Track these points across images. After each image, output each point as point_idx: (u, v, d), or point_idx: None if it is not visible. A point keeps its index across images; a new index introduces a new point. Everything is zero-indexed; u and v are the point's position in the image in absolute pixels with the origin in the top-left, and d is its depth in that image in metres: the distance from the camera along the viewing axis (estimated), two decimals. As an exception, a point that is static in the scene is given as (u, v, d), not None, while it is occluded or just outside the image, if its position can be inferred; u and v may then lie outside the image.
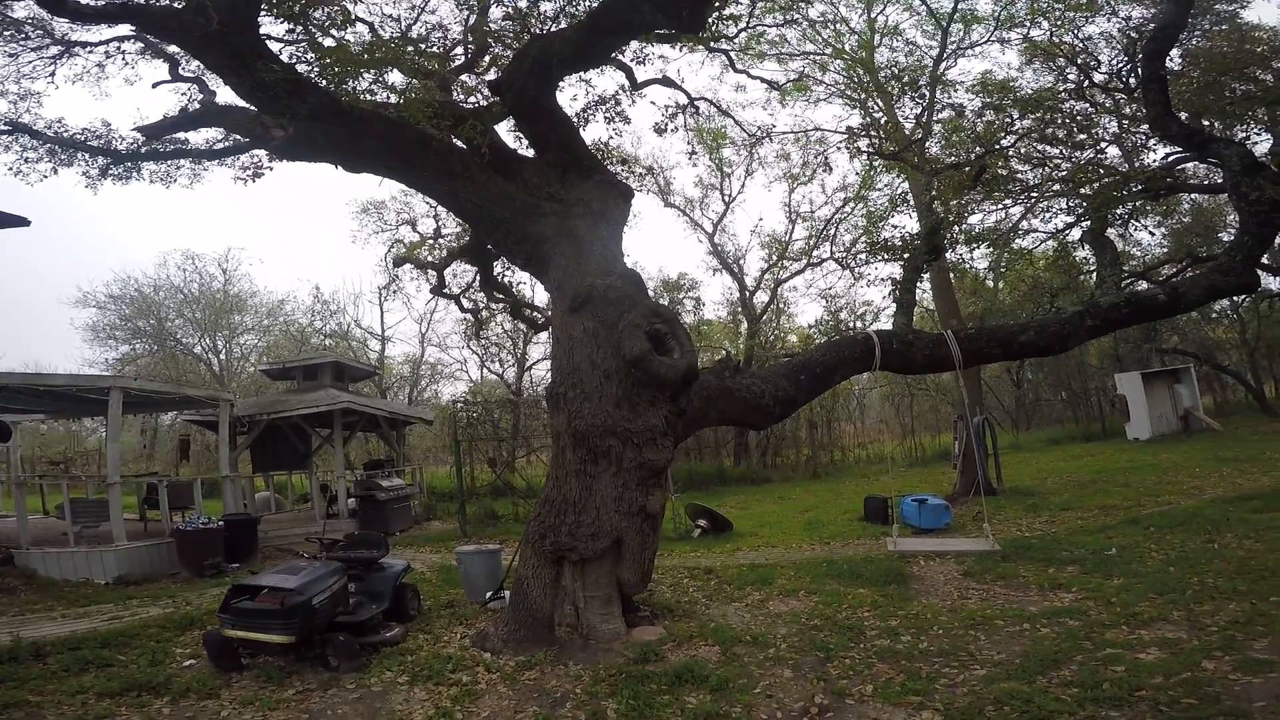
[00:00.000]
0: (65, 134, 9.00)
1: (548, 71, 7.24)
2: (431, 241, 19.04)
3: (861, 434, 27.11)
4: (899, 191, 18.64)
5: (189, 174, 9.70)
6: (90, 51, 9.35)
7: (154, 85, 9.16)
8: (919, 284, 10.71)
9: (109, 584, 9.89)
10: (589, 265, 6.61)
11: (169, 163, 9.55)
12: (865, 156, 17.45)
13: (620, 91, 10.15)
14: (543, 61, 7.10)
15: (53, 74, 9.18)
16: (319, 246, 64.76)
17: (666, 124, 11.90)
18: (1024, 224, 15.27)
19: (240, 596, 5.82)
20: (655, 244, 61.81)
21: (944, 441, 25.15)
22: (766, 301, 26.19)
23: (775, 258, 25.46)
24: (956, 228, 10.42)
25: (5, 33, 8.80)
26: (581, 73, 9.40)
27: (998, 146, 11.51)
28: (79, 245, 60.72)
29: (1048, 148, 13.03)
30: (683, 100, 11.76)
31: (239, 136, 8.22)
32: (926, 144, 12.17)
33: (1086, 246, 11.98)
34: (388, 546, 7.86)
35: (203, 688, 5.41)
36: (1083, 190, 12.37)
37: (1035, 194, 13.35)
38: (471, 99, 9.59)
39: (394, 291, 24.29)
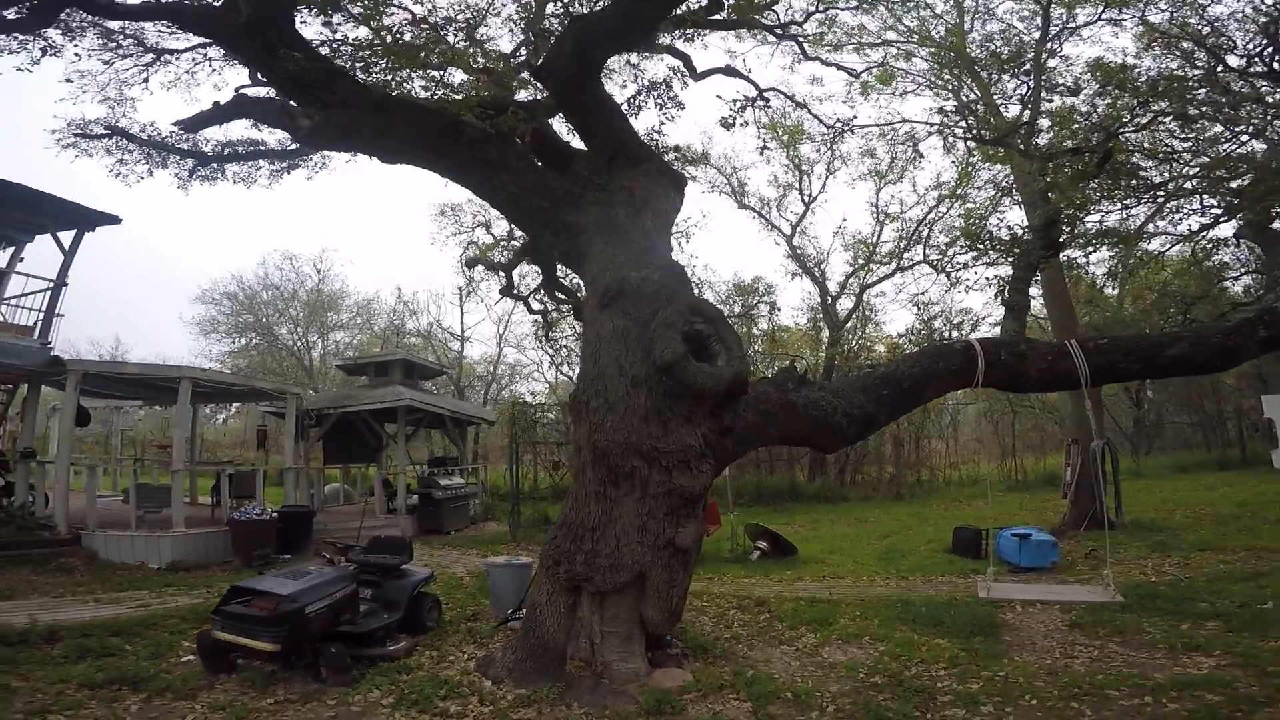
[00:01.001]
0: (157, 137, 9.40)
1: (588, 52, 6.69)
2: (505, 243, 18.93)
3: (954, 453, 24.88)
4: (1004, 184, 16.77)
5: (267, 175, 10.13)
6: (178, 58, 9.60)
7: (237, 90, 9.32)
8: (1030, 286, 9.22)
9: (162, 569, 10.08)
10: (625, 256, 5.84)
11: (249, 164, 9.88)
12: (963, 145, 15.81)
13: (672, 75, 9.42)
14: (583, 42, 6.61)
15: (146, 80, 9.62)
16: (404, 248, 67.64)
17: (734, 118, 11.05)
18: (1150, 226, 13.30)
19: (237, 598, 5.55)
20: (730, 247, 60.39)
21: (1049, 465, 22.65)
22: (851, 308, 24.54)
23: (861, 261, 23.82)
24: (1076, 222, 8.91)
25: (98, 41, 9.10)
26: (628, 55, 8.81)
27: (1122, 132, 9.84)
28: (186, 246, 66.40)
29: (1175, 142, 11.15)
30: (751, 92, 10.93)
31: (270, 127, 8.13)
32: (1034, 130, 10.65)
33: (1241, 244, 10.07)
34: (412, 552, 7.44)
35: (185, 687, 5.22)
36: (1233, 184, 10.49)
37: (1166, 190, 11.50)
38: (523, 92, 9.23)
39: (470, 293, 24.43)
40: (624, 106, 8.89)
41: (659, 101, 9.46)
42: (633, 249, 5.82)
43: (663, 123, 11.02)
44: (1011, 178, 15.39)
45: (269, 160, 9.84)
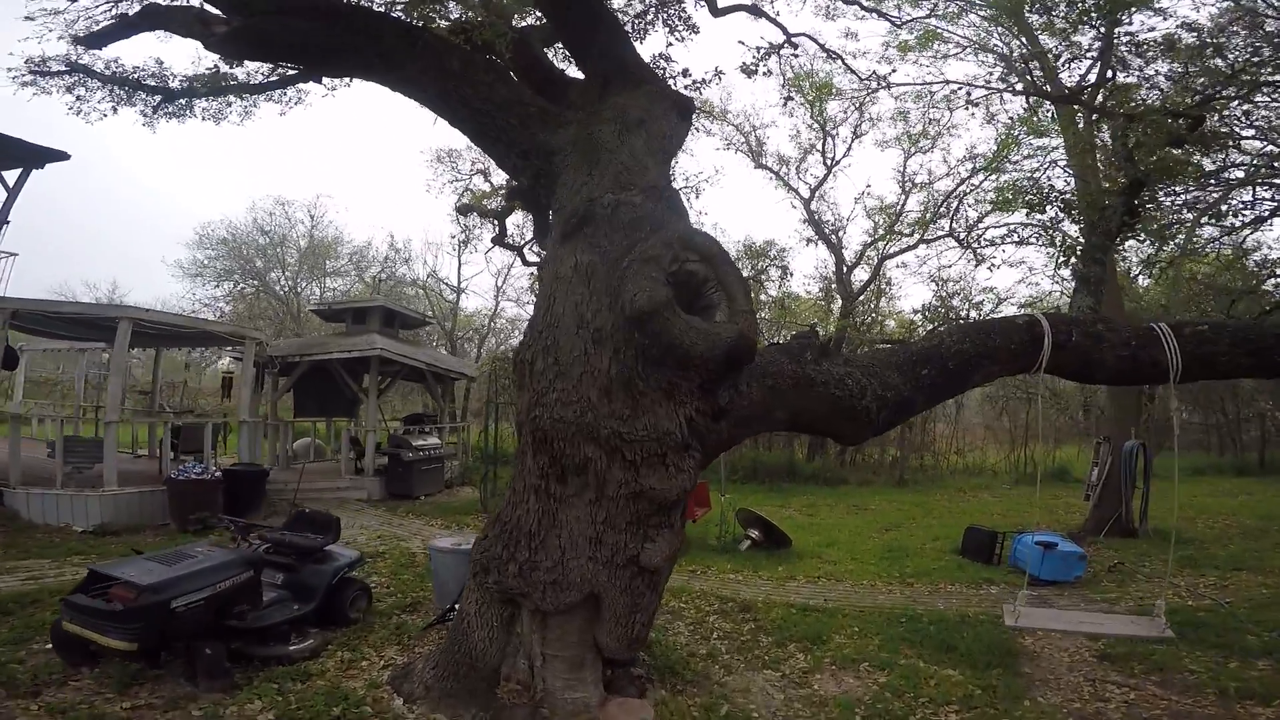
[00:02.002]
0: (122, 73, 8.82)
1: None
2: (502, 190, 17.67)
3: (958, 437, 23.75)
4: (1051, 153, 15.36)
5: (239, 111, 9.54)
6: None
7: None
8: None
9: (87, 532, 9.12)
10: (603, 179, 4.55)
11: (218, 99, 9.28)
12: (1010, 111, 14.37)
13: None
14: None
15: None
16: (400, 196, 66.28)
17: (757, 65, 9.70)
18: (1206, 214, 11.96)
19: (97, 585, 4.71)
20: (743, 209, 58.12)
21: (1061, 458, 21.60)
22: (867, 280, 23.20)
23: (883, 230, 22.39)
24: (1162, 189, 7.61)
25: None
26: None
27: (1219, 97, 8.42)
28: (183, 191, 65.10)
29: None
30: (777, 37, 9.56)
31: (178, 36, 6.97)
32: (1105, 89, 9.24)
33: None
34: (339, 531, 6.43)
35: (31, 682, 4.50)
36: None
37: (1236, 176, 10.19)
38: (527, 21, 8.06)
39: (465, 243, 23.13)
40: (628, 28, 7.67)
41: (668, 22, 8.14)
42: (615, 171, 4.53)
43: (670, 44, 9.70)
44: (1060, 147, 14.00)
45: (238, 95, 9.15)
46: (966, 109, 17.09)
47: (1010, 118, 18.09)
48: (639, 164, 4.81)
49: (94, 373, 20.11)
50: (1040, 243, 19.44)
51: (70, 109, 8.97)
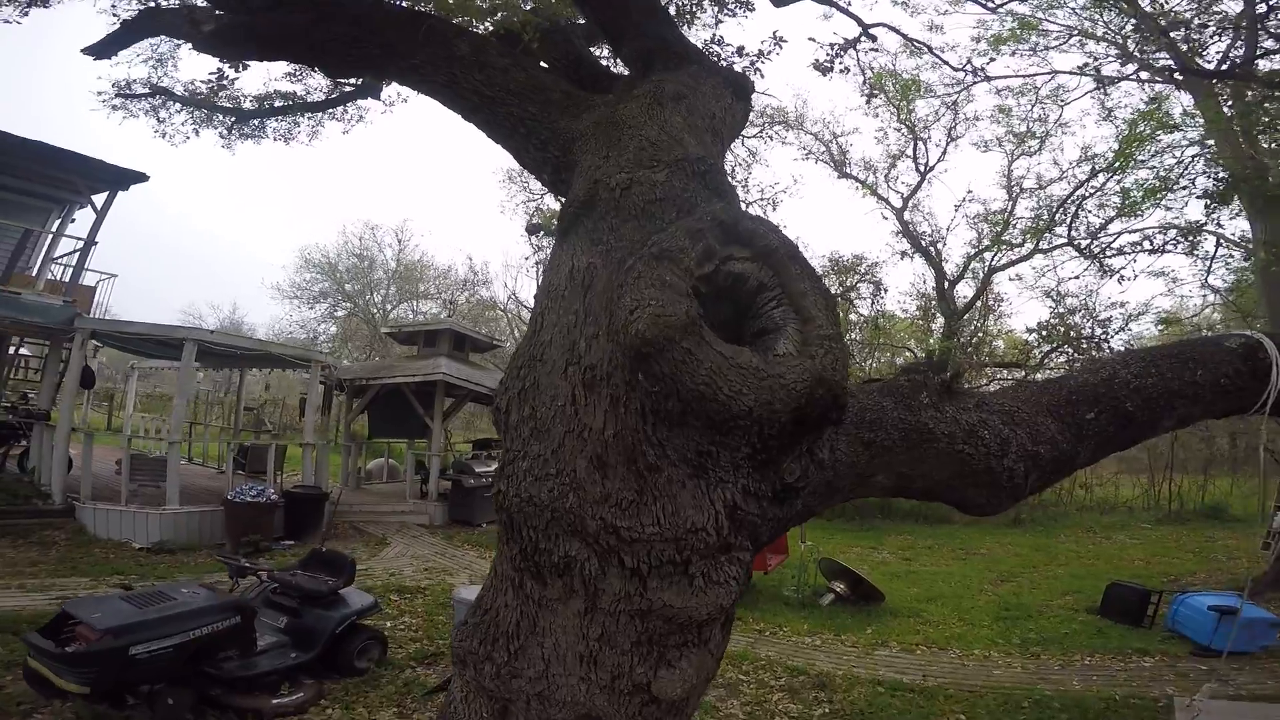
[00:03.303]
0: (199, 95, 9.10)
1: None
2: (576, 209, 17.29)
3: (1085, 469, 20.87)
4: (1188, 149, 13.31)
5: (307, 131, 10.11)
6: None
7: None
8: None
9: (144, 549, 9.10)
10: (620, 158, 3.55)
11: (287, 118, 9.65)
12: (1148, 88, 12.50)
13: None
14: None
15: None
16: (479, 218, 68.73)
17: (832, 61, 8.62)
18: None
19: (67, 623, 4.40)
20: (827, 223, 55.49)
21: (1214, 493, 18.47)
22: (973, 295, 21.09)
23: (988, 241, 20.30)
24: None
25: None
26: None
27: None
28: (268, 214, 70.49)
29: None
30: (852, 30, 8.44)
31: (173, 39, 6.86)
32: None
33: None
34: (353, 575, 5.78)
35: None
36: None
37: None
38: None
39: (539, 263, 22.99)
40: (671, 9, 6.85)
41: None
42: (637, 147, 3.49)
43: (720, 20, 8.73)
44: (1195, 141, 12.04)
45: (304, 113, 9.44)
46: (1101, 89, 15.00)
47: (1132, 111, 16.05)
48: (672, 140, 3.72)
49: (204, 390, 21.33)
50: (1181, 249, 17.14)
51: (156, 132, 9.46)
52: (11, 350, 12.37)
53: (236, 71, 6.47)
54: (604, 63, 6.86)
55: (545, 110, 4.75)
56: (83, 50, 6.74)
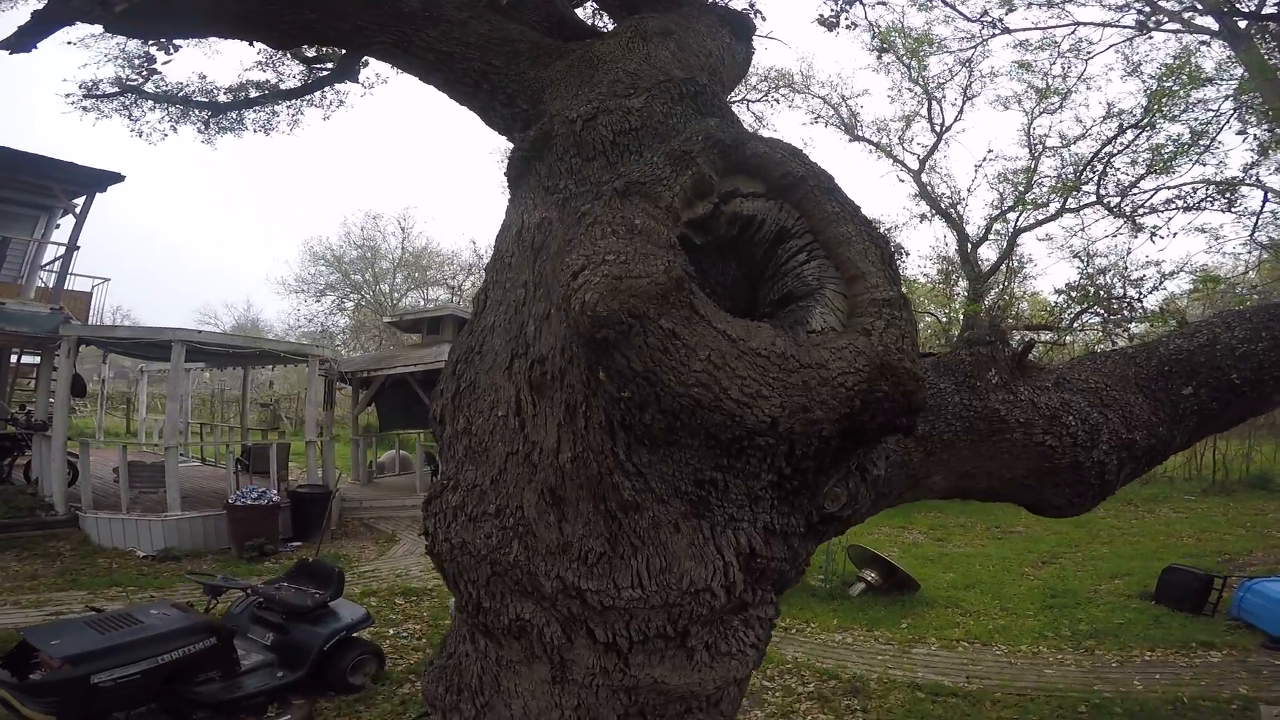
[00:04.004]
0: (174, 92, 9.12)
1: None
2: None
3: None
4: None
5: (287, 120, 9.95)
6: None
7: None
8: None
9: (150, 557, 8.86)
10: (594, 91, 2.93)
11: (265, 108, 9.57)
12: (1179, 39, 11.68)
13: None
14: None
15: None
16: (483, 201, 68.06)
17: (837, 15, 7.92)
18: None
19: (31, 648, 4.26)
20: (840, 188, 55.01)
21: (1259, 460, 17.58)
22: (998, 258, 20.24)
23: (1013, 202, 19.39)
24: None
25: None
26: None
27: None
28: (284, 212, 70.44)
29: None
30: None
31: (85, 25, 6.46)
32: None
33: None
34: (341, 587, 5.40)
35: None
36: None
37: None
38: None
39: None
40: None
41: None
42: (612, 80, 2.90)
43: None
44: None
45: (280, 101, 9.30)
46: (1130, 41, 14.14)
47: (1159, 66, 15.24)
48: (657, 72, 3.12)
49: (219, 388, 21.19)
50: (1217, 206, 16.30)
51: (132, 131, 9.32)
52: (14, 359, 12.16)
53: (167, 54, 6.00)
54: (592, 24, 6.29)
55: (512, 62, 4.13)
56: (1, 44, 6.32)
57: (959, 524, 12.12)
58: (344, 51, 6.11)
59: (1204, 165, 16.05)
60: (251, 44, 5.34)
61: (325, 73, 8.01)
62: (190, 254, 70.49)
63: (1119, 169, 17.75)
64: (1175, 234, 21.67)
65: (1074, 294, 18.69)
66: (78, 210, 10.69)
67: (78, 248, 10.58)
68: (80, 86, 8.54)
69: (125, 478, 9.32)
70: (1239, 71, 13.79)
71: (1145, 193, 17.41)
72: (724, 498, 1.53)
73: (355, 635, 5.18)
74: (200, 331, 10.45)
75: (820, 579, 7.92)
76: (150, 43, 5.67)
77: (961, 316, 20.39)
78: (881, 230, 1.79)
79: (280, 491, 10.24)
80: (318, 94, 9.41)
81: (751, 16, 4.94)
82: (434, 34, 4.29)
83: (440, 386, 2.20)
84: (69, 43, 8.12)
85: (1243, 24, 11.98)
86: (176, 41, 5.52)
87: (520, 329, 1.86)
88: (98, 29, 7.01)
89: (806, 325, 1.54)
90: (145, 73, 7.09)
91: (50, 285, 11.34)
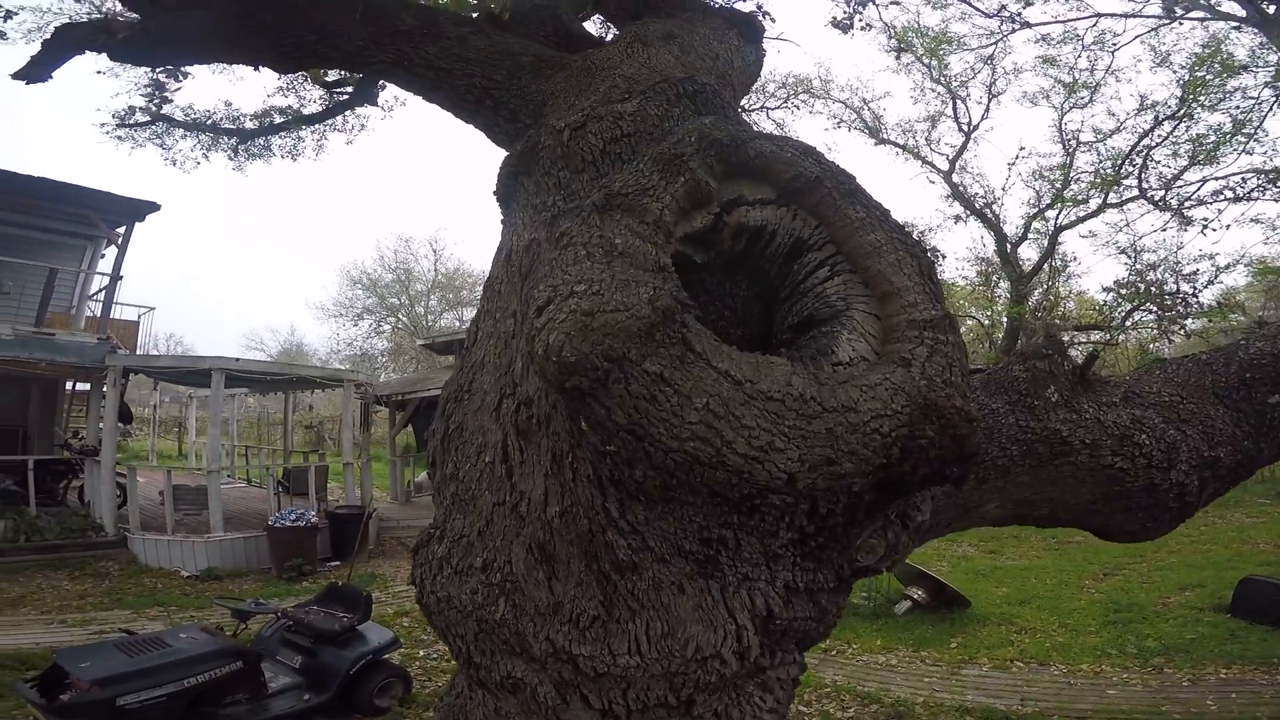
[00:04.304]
0: (203, 120, 9.38)
1: None
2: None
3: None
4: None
5: (312, 145, 10.23)
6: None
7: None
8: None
9: (192, 577, 9.08)
10: (590, 99, 2.77)
11: (290, 134, 9.77)
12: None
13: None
14: None
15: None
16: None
17: (850, 17, 7.81)
18: None
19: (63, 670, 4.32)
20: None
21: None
22: (1040, 256, 19.59)
23: (1050, 199, 18.78)
24: None
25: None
26: None
27: None
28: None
29: None
30: None
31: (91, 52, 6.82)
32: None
33: None
34: (369, 610, 5.37)
35: None
36: None
37: None
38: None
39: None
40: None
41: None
42: (609, 88, 2.75)
43: None
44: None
45: (304, 126, 9.51)
46: (1169, 20, 13.67)
47: (1189, 55, 14.80)
48: (657, 77, 2.99)
49: (265, 411, 21.79)
50: (1269, 195, 15.59)
51: (165, 159, 9.76)
52: (69, 386, 12.68)
53: (177, 81, 6.14)
54: (600, 35, 6.26)
55: (513, 77, 4.01)
56: (13, 75, 6.55)
57: (1012, 535, 11.56)
58: (359, 75, 6.20)
59: (1250, 154, 15.42)
60: (257, 69, 5.41)
61: (345, 96, 8.09)
62: (237, 281, 73.75)
63: (1159, 162, 17.18)
64: (1228, 226, 20.75)
65: (1123, 291, 18.00)
66: (119, 240, 11.14)
67: (120, 277, 11.05)
68: (114, 116, 8.81)
69: (170, 500, 9.56)
70: (1274, 59, 13.28)
71: (1191, 185, 16.83)
72: (736, 556, 1.32)
73: (383, 658, 5.15)
74: (238, 360, 10.74)
75: (863, 597, 7.60)
76: (159, 70, 5.83)
77: (1005, 319, 19.76)
78: (915, 236, 1.58)
79: (319, 512, 10.39)
80: (339, 118, 9.57)
81: (759, 18, 4.83)
82: (433, 51, 4.23)
83: (433, 426, 2.06)
84: (99, 72, 8.50)
85: (1271, 9, 11.50)
86: (185, 69, 5.65)
87: (509, 366, 1.69)
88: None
89: (832, 356, 1.33)
90: (158, 101, 7.30)
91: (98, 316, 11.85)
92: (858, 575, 1.49)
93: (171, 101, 7.88)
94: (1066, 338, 19.31)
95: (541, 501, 1.42)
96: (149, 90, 7.05)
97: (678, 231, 1.45)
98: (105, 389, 10.12)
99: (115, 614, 7.51)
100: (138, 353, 11.72)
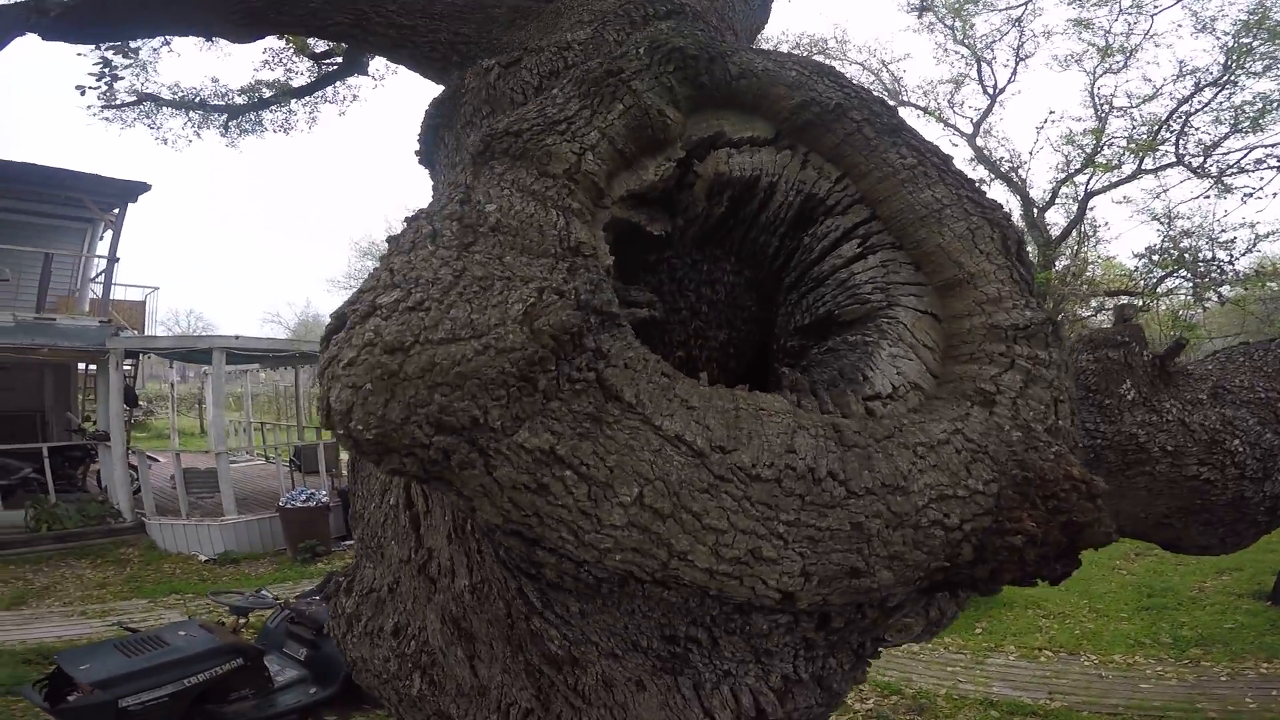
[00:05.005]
0: (190, 98, 9.45)
1: None
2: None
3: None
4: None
5: (305, 118, 10.25)
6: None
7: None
8: None
9: (210, 561, 9.11)
10: (553, 39, 2.35)
11: (281, 108, 9.83)
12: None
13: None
14: None
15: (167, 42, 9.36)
16: None
17: None
18: None
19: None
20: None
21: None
22: (1070, 222, 18.99)
23: (1080, 164, 18.08)
24: None
25: None
26: None
27: None
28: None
29: None
30: None
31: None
32: None
33: None
34: (373, 603, 5.23)
35: None
36: None
37: None
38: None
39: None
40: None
41: None
42: (578, 20, 2.34)
43: None
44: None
45: (294, 99, 9.56)
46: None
47: (1234, 22, 14.17)
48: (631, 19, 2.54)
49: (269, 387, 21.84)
50: None
51: (156, 138, 9.79)
52: (81, 368, 12.70)
53: (125, 58, 5.96)
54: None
55: (484, 29, 3.58)
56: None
57: (1035, 511, 11.30)
58: (345, 45, 5.94)
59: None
60: (210, 40, 5.18)
61: (334, 68, 8.07)
62: (258, 258, 74.39)
63: (1199, 129, 16.41)
64: (1276, 195, 19.88)
65: (1155, 257, 17.39)
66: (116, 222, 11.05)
67: (118, 259, 11.01)
68: (100, 97, 8.66)
69: (181, 484, 9.55)
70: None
71: (1233, 152, 16.08)
72: (713, 654, 0.90)
73: (389, 650, 5.06)
74: (237, 337, 10.64)
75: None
76: (106, 47, 5.64)
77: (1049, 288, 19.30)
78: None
79: (331, 491, 10.34)
80: (329, 89, 9.53)
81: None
82: (393, 8, 3.83)
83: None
84: (79, 54, 8.37)
85: None
86: (133, 44, 5.46)
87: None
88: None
89: (864, 384, 0.87)
90: (109, 79, 7.11)
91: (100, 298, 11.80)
92: (880, 645, 1.21)
93: (122, 79, 7.69)
94: (1095, 303, 18.79)
95: (450, 568, 1.04)
96: (97, 68, 6.82)
97: (615, 188, 0.95)
98: (111, 372, 10.10)
99: (133, 604, 7.57)
100: (145, 333, 11.68)
